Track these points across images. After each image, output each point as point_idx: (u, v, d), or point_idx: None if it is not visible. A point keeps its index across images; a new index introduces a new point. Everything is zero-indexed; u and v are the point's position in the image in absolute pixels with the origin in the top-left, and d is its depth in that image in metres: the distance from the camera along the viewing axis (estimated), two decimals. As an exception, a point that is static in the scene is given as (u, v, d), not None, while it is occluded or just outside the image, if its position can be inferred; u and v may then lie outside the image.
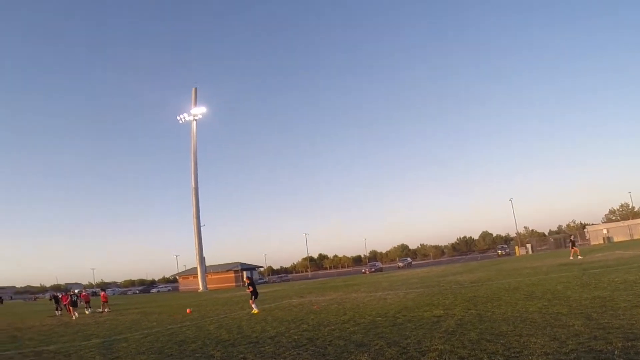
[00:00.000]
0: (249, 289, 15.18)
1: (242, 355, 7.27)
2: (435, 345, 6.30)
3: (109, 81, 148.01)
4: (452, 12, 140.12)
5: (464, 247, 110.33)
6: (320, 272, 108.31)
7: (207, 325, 12.48)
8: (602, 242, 56.60)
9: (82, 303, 23.65)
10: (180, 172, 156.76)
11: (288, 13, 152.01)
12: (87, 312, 22.79)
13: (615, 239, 55.99)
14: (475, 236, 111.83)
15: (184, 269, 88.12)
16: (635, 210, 79.99)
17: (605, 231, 60.42)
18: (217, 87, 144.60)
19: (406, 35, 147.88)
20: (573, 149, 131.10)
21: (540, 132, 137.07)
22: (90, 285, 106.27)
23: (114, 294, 75.12)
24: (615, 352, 4.80)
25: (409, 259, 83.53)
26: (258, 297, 15.31)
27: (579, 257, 27.04)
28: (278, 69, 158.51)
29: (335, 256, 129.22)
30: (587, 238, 63.82)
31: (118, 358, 8.31)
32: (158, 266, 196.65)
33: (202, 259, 61.27)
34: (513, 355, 5.29)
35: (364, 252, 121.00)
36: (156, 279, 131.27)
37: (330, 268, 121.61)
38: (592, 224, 72.51)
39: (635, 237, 54.49)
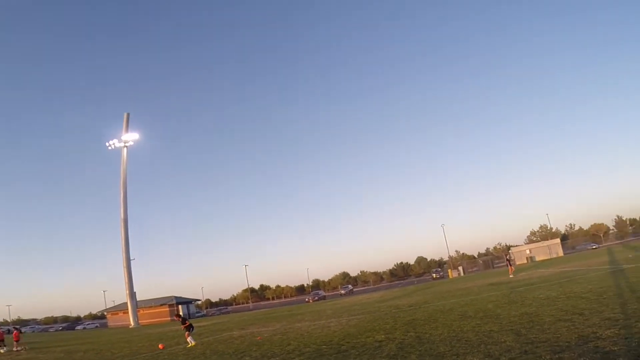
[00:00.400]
0: (183, 325, 14.49)
1: (176, 397, 6.73)
2: (378, 370, 6.28)
3: (31, 108, 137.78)
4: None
5: (401, 272, 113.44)
6: (263, 302, 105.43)
7: (138, 365, 11.51)
8: (525, 261, 60.85)
9: None
10: (109, 202, 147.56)
11: (223, 37, 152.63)
12: (1, 351, 20.51)
13: (537, 258, 60.48)
14: (411, 261, 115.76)
15: (112, 305, 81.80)
16: (553, 230, 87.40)
17: (528, 251, 65.16)
18: (150, 114, 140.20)
19: (340, 63, 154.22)
20: (496, 176, 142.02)
21: (466, 161, 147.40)
22: (6, 323, 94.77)
23: (33, 332, 67.38)
24: (544, 365, 5.05)
25: (350, 286, 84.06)
26: (194, 330, 14.68)
27: (510, 275, 27.99)
28: (210, 95, 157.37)
29: (278, 286, 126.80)
30: (512, 258, 68.37)
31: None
32: (84, 302, 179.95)
33: (132, 294, 57.38)
34: (452, 374, 5.39)
35: (306, 281, 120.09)
36: (82, 316, 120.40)
37: (273, 298, 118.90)
38: (516, 245, 78.01)
39: (554, 255, 59.29)
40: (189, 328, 14.34)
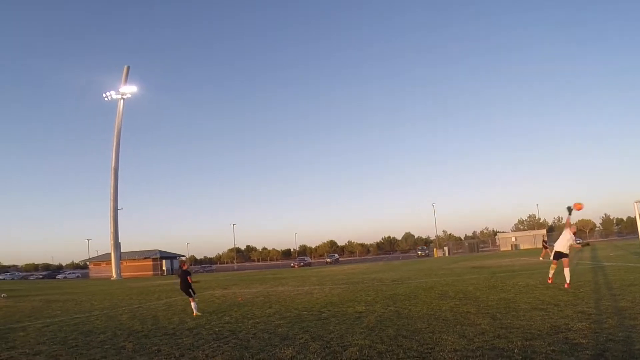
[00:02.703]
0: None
1: (156, 347, 6.91)
2: (356, 340, 6.47)
3: (30, 53, 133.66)
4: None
5: (388, 247, 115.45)
6: (247, 264, 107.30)
7: (119, 315, 11.74)
8: (510, 248, 61.99)
9: None
10: (98, 152, 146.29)
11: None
12: None
13: (522, 247, 61.60)
14: (399, 236, 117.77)
15: (96, 255, 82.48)
16: (541, 221, 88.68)
17: (513, 239, 66.25)
18: (150, 68, 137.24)
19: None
20: (492, 163, 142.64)
21: (463, 146, 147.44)
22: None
23: (13, 279, 68.42)
24: (515, 350, 5.23)
25: (336, 255, 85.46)
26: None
27: (541, 258, 27.69)
28: (213, 55, 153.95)
29: (264, 249, 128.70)
30: (497, 244, 69.55)
31: (14, 348, 7.52)
32: (66, 250, 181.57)
33: (117, 244, 57.80)
34: (426, 351, 5.56)
35: (293, 246, 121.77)
36: (64, 264, 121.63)
37: (259, 260, 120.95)
38: (503, 232, 79.25)
39: (539, 245, 60.33)
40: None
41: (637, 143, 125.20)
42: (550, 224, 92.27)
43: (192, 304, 10.67)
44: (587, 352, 4.96)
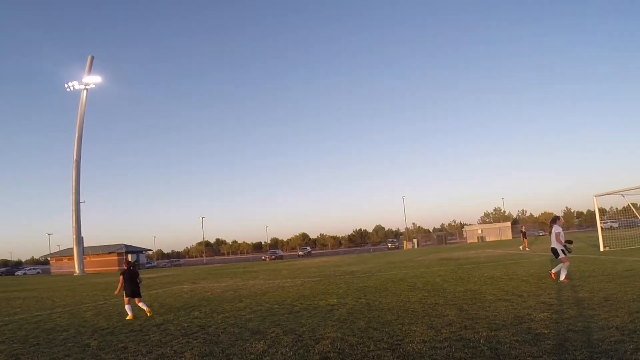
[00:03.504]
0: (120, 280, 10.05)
1: (122, 345, 6.72)
2: (328, 333, 6.50)
3: None
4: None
5: (359, 239, 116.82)
6: (217, 257, 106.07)
7: (83, 312, 11.38)
8: (476, 240, 63.82)
9: None
10: (60, 144, 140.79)
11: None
12: None
13: (488, 239, 63.53)
14: (370, 229, 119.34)
15: (57, 250, 79.32)
16: (506, 214, 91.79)
17: (480, 231, 68.21)
18: (114, 59, 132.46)
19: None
20: (459, 156, 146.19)
21: (431, 137, 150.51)
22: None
23: None
24: (481, 341, 5.38)
25: (308, 248, 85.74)
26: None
27: (527, 249, 27.54)
28: (179, 48, 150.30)
29: (235, 242, 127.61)
30: (464, 236, 71.50)
31: (-32, 348, 7.14)
32: (25, 245, 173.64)
33: (79, 239, 55.77)
34: (396, 342, 5.64)
35: (265, 239, 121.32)
36: (23, 260, 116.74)
37: (229, 254, 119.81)
38: (470, 224, 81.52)
39: (503, 237, 62.50)
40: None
41: (598, 139, 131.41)
42: (514, 216, 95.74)
43: (143, 305, 9.66)
44: (549, 342, 5.15)
